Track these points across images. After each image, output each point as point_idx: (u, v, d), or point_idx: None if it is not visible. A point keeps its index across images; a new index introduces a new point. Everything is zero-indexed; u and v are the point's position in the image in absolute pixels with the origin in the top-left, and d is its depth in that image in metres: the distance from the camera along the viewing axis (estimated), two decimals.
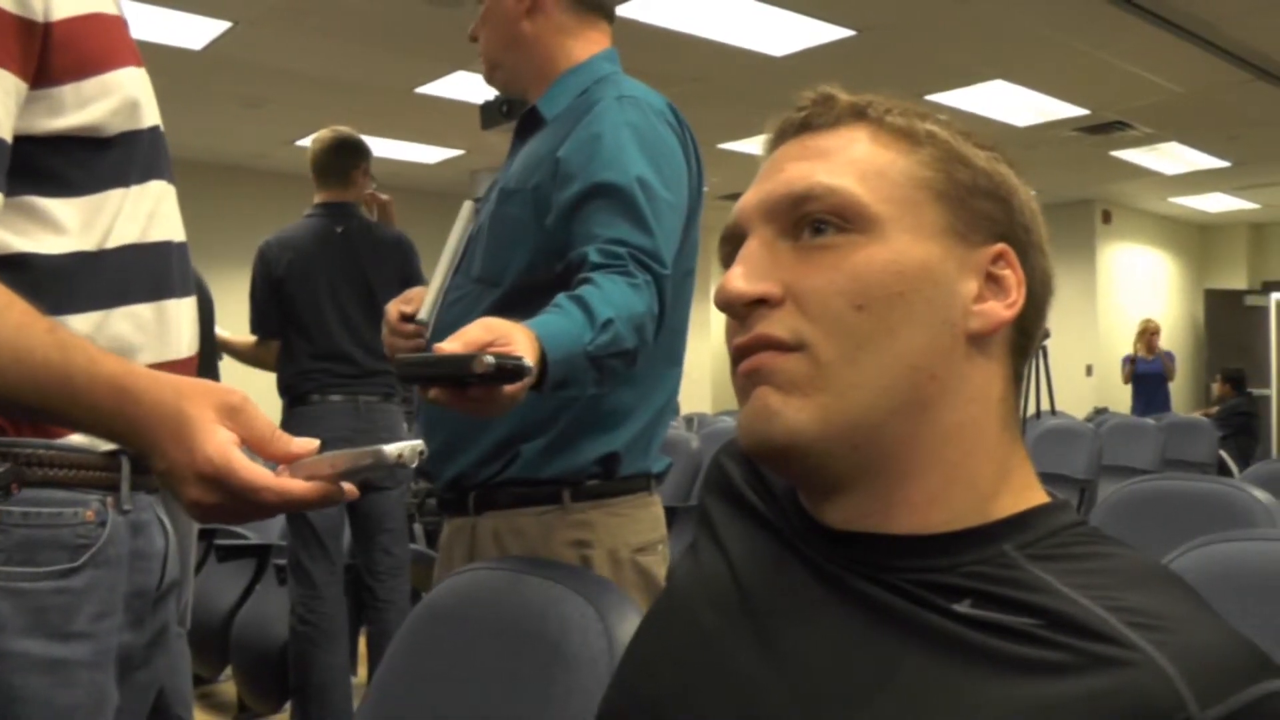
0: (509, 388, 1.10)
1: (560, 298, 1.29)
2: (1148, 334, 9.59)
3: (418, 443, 0.85)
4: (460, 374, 1.03)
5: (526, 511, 1.53)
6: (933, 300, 0.69)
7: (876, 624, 0.67)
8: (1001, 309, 0.71)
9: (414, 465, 0.85)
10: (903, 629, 0.65)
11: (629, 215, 1.38)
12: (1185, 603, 0.63)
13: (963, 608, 0.64)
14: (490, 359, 1.01)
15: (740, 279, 0.71)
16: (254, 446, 0.90)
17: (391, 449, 0.85)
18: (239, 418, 0.91)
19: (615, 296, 1.30)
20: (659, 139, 1.47)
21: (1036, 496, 0.72)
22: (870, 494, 0.71)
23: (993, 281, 0.72)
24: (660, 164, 1.45)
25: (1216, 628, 0.61)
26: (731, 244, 0.76)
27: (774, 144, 0.78)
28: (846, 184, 0.70)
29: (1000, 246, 0.72)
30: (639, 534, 1.56)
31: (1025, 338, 0.74)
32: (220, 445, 0.88)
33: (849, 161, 0.72)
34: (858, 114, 0.74)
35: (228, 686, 4.04)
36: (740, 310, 0.71)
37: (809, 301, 0.69)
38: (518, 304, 1.38)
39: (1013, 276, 0.72)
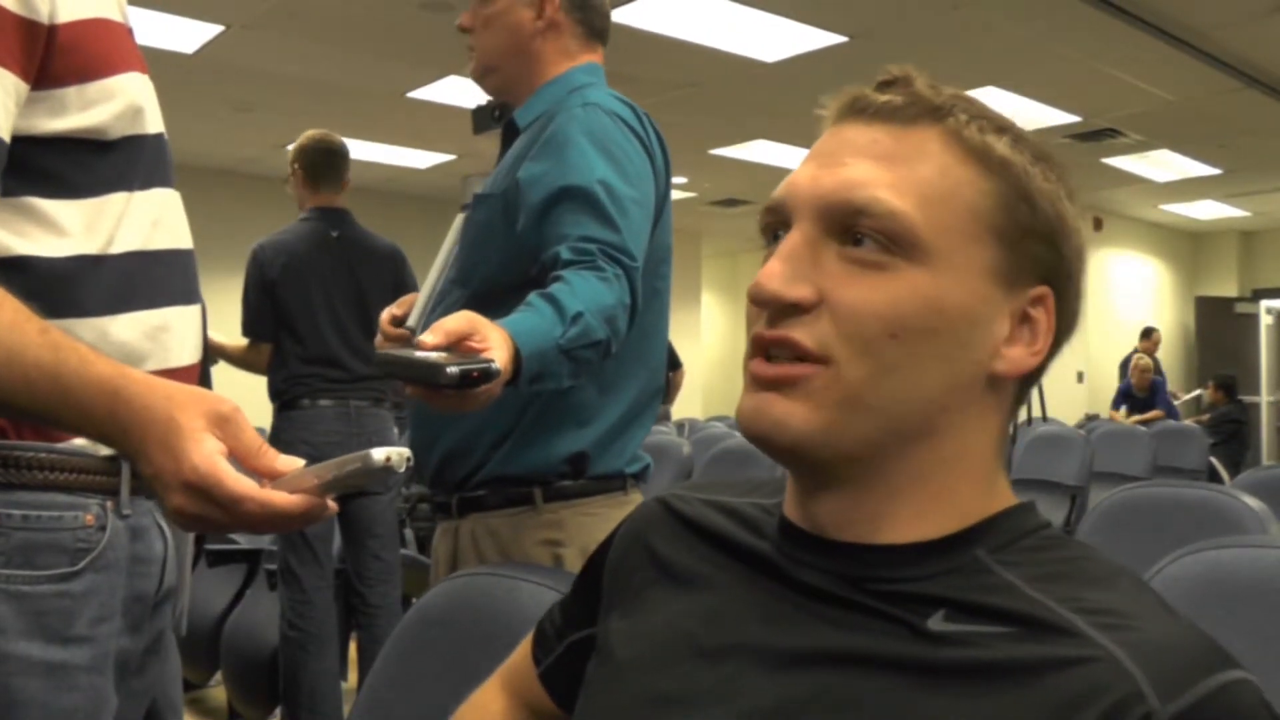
0: (481, 387, 1.16)
1: (532, 296, 1.36)
2: (1138, 370, 9.31)
3: (405, 449, 0.85)
4: (429, 380, 1.11)
5: (500, 513, 1.59)
6: (966, 340, 0.69)
7: (844, 658, 0.67)
8: (1027, 356, 0.71)
9: (401, 470, 0.85)
10: (869, 662, 0.66)
11: (595, 214, 1.46)
12: (1143, 600, 0.65)
13: (935, 624, 0.66)
14: (454, 370, 1.10)
15: (779, 280, 0.69)
16: (240, 458, 0.90)
17: (379, 454, 0.84)
18: (228, 428, 0.90)
19: (584, 290, 1.37)
20: (616, 141, 1.54)
21: (1006, 499, 0.73)
22: (856, 502, 0.71)
23: (1025, 323, 0.71)
24: (621, 163, 1.52)
25: (1174, 623, 0.63)
26: (775, 217, 0.73)
27: (842, 116, 0.74)
28: (906, 209, 0.68)
29: (1042, 289, 0.71)
30: None
31: (1034, 373, 0.73)
32: (207, 455, 0.87)
33: (915, 180, 0.69)
34: (936, 115, 0.71)
35: (218, 691, 4.03)
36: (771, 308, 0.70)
37: (843, 316, 0.68)
38: (485, 304, 1.43)
39: (1044, 321, 0.71)
